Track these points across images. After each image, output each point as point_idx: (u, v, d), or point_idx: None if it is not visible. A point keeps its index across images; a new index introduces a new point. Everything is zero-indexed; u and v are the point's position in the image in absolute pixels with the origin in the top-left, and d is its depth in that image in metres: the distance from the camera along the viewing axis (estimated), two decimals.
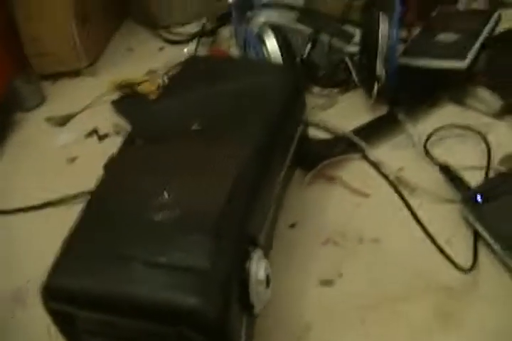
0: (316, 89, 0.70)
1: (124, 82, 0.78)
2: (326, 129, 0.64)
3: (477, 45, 0.67)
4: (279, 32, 0.67)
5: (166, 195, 0.42)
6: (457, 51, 0.67)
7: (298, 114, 0.57)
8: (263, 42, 0.66)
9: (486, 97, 0.66)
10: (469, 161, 0.59)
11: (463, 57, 0.65)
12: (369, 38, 0.64)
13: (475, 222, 0.51)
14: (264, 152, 0.47)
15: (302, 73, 0.69)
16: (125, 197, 0.43)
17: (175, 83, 0.59)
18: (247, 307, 0.39)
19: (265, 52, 0.65)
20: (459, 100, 0.67)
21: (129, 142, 0.48)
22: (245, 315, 0.40)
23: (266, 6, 0.77)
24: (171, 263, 0.37)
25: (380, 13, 0.63)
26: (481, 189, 0.53)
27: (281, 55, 0.65)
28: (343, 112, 0.66)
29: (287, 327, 0.46)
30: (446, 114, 0.66)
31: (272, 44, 0.65)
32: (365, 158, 0.58)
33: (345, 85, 0.70)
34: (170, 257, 0.37)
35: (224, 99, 0.53)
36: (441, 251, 0.46)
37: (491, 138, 0.62)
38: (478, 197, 0.52)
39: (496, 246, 0.49)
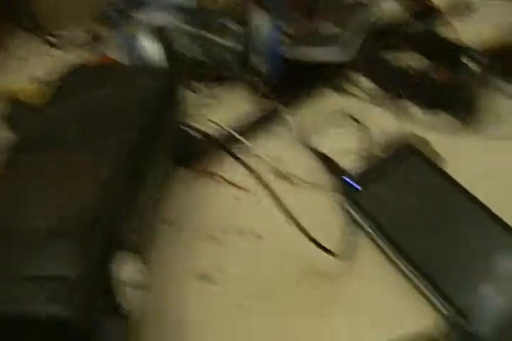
0: (201, 87, 0.69)
1: (7, 91, 0.75)
2: (209, 126, 0.62)
3: (359, 37, 0.68)
4: (160, 33, 0.65)
5: (37, 205, 0.41)
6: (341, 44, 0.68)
7: (174, 115, 0.57)
8: (143, 45, 0.64)
9: (366, 85, 0.67)
10: (348, 147, 0.60)
11: (343, 54, 0.68)
12: (249, 33, 0.64)
13: (350, 208, 0.52)
14: (136, 155, 0.47)
15: (183, 73, 0.69)
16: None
17: (59, 92, 0.58)
18: (116, 309, 0.39)
19: (145, 55, 0.64)
20: (341, 89, 0.68)
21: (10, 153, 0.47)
22: (115, 317, 0.40)
23: (150, 6, 0.75)
24: (42, 275, 0.37)
25: (260, 9, 0.63)
26: (357, 175, 0.54)
27: (164, 57, 0.66)
28: (227, 108, 0.66)
29: (168, 325, 0.46)
30: (328, 102, 0.68)
31: (151, 46, 0.64)
32: (230, 153, 0.58)
33: (229, 81, 0.69)
34: (41, 269, 0.37)
35: (101, 106, 0.52)
36: (312, 239, 0.47)
37: (369, 124, 0.63)
38: (353, 183, 0.52)
39: (372, 232, 0.50)
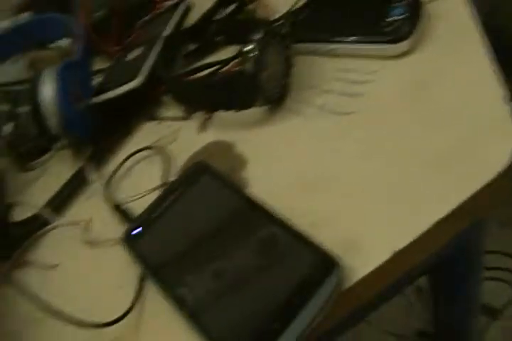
0: (29, 164, 0.66)
1: None
2: (30, 207, 0.59)
3: (152, 56, 0.62)
4: None
5: None
6: (130, 71, 0.64)
7: None
8: None
9: (171, 103, 0.61)
10: (156, 183, 0.53)
11: (134, 76, 0.61)
12: (32, 98, 0.59)
13: (133, 258, 0.47)
14: None
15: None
16: None
17: None
18: None
19: None
20: (153, 116, 0.62)
21: None
22: None
23: None
24: None
25: (45, 69, 0.59)
26: (140, 218, 0.48)
27: None
28: (50, 179, 0.62)
29: None
30: (142, 135, 0.64)
31: None
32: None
33: (51, 150, 0.65)
34: None
35: None
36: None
37: (177, 145, 0.59)
38: (132, 230, 0.47)
39: (153, 281, 0.45)
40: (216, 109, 0.56)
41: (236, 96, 0.53)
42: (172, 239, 0.46)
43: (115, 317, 0.43)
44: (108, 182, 0.56)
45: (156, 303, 0.44)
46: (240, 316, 0.38)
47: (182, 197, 0.48)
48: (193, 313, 0.40)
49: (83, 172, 0.59)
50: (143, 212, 0.49)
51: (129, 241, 0.47)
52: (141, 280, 0.46)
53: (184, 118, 0.60)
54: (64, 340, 0.47)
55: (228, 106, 0.55)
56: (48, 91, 0.56)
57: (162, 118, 0.62)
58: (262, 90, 0.51)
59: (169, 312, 0.42)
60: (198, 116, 0.59)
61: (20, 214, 0.60)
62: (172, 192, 0.49)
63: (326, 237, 0.40)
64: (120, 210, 0.52)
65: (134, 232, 0.47)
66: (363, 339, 1.08)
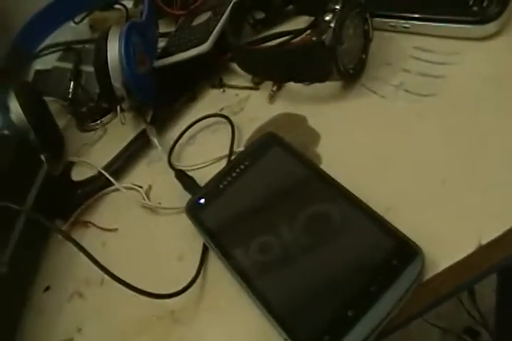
0: (88, 125, 0.65)
1: None
2: (91, 168, 0.59)
3: (221, 22, 0.61)
4: (26, 90, 0.62)
5: None
6: (200, 35, 0.62)
7: (26, 178, 0.55)
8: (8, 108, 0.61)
9: (237, 72, 0.59)
10: (221, 152, 0.52)
11: (202, 41, 0.60)
12: (98, 58, 0.58)
13: (197, 229, 0.46)
14: None
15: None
16: None
17: None
18: None
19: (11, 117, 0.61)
20: (218, 83, 0.61)
21: None
22: None
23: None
24: None
25: (111, 28, 0.58)
26: (204, 188, 0.48)
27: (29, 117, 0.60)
28: (110, 142, 0.62)
29: None
30: (206, 103, 0.62)
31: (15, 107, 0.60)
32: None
33: (111, 112, 0.64)
34: None
35: None
36: (138, 291, 0.42)
37: (244, 115, 0.57)
38: (199, 199, 0.46)
39: (216, 253, 0.43)
40: (287, 81, 0.54)
41: (310, 69, 0.51)
42: (239, 211, 0.45)
43: (173, 287, 0.42)
44: (171, 149, 0.54)
45: (219, 276, 0.43)
46: (310, 298, 0.37)
47: (250, 169, 0.47)
48: (258, 290, 0.39)
49: (145, 136, 0.57)
50: (209, 182, 0.48)
51: (194, 210, 0.46)
52: (204, 252, 0.44)
53: (252, 88, 0.58)
54: (120, 306, 0.46)
55: (300, 78, 0.53)
56: (113, 51, 0.55)
57: (228, 86, 0.60)
58: (339, 64, 0.49)
59: (232, 286, 0.41)
60: (267, 87, 0.57)
61: (79, 175, 0.60)
62: (240, 163, 0.48)
63: (403, 224, 0.37)
64: (184, 178, 0.50)
65: (200, 202, 0.46)
66: (409, 329, 1.06)
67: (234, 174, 0.47)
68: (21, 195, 0.51)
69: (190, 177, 0.50)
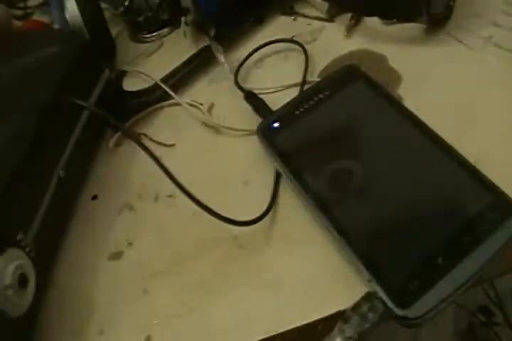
0: (143, 36, 0.62)
1: None
2: (146, 79, 0.56)
3: None
4: None
5: None
6: None
7: (89, 79, 0.53)
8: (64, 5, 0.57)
9: (312, 0, 0.56)
10: (289, 80, 0.51)
11: None
12: None
13: (269, 154, 0.44)
14: (34, 132, 0.43)
15: (127, 22, 0.65)
16: None
17: None
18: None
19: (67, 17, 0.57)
20: (289, 10, 0.58)
21: None
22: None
23: None
24: None
25: None
26: (279, 112, 0.45)
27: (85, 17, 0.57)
28: (167, 55, 0.59)
29: (73, 313, 0.43)
30: (275, 29, 0.59)
31: (72, 6, 0.57)
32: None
33: (169, 25, 0.61)
34: None
35: (9, 77, 0.47)
36: (214, 213, 0.40)
37: (317, 46, 0.54)
38: (272, 123, 0.44)
39: (290, 181, 0.42)
40: (370, 15, 0.52)
41: (399, 5, 0.48)
42: (317, 140, 0.43)
43: (237, 212, 0.41)
44: (238, 68, 0.52)
45: (290, 206, 0.42)
46: (397, 238, 0.36)
47: (330, 100, 0.45)
48: (338, 222, 0.37)
49: (208, 52, 0.55)
50: (283, 107, 0.46)
51: (267, 133, 0.44)
52: (277, 178, 0.42)
53: (326, 20, 0.55)
54: (177, 225, 0.45)
55: (386, 15, 0.51)
56: None
57: (300, 15, 0.57)
58: (429, 6, 0.46)
59: (306, 218, 0.40)
60: (341, 21, 0.54)
61: (132, 85, 0.57)
62: (318, 93, 0.46)
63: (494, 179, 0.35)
64: (254, 99, 0.48)
65: (274, 125, 0.44)
66: None
67: (311, 102, 0.45)
68: (85, 95, 0.48)
69: (261, 100, 0.47)
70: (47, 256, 0.43)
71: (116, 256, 0.44)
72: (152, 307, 0.40)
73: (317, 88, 0.47)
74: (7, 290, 0.36)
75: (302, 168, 0.41)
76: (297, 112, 0.45)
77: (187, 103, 0.52)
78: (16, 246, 0.38)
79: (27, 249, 0.39)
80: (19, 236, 0.39)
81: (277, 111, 0.46)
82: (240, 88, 0.50)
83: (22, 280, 0.38)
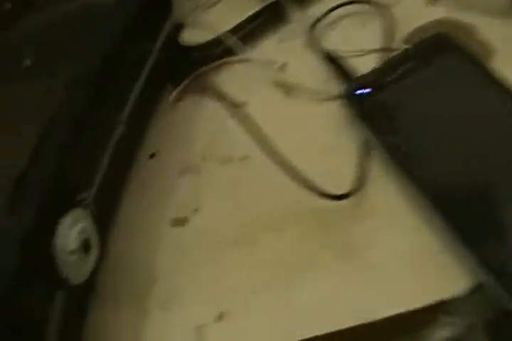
0: None
1: None
2: (206, 32, 0.51)
3: None
4: None
5: None
6: None
7: (154, 26, 0.49)
8: None
9: None
10: (368, 44, 0.48)
11: None
12: None
13: (358, 121, 0.41)
14: (95, 82, 0.40)
15: None
16: None
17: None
18: (59, 281, 0.33)
19: None
20: None
21: None
22: (59, 289, 0.34)
23: None
24: None
25: None
26: (366, 77, 0.42)
27: None
28: (225, 9, 0.54)
29: (131, 284, 0.40)
30: None
31: None
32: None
33: None
34: None
35: (64, 22, 0.43)
36: (305, 181, 0.36)
37: (396, 11, 0.49)
38: (360, 89, 0.40)
39: (384, 154, 0.38)
40: None
41: None
42: (409, 111, 0.40)
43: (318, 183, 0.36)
44: (313, 27, 0.48)
45: (380, 179, 0.39)
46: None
47: (421, 70, 0.42)
48: (439, 201, 0.34)
49: (277, 8, 0.50)
50: (370, 73, 0.42)
51: (354, 99, 0.41)
52: (367, 150, 0.39)
53: None
54: (253, 191, 0.42)
55: None
56: None
57: None
58: None
59: (397, 193, 0.37)
60: None
61: (192, 40, 0.52)
62: (407, 61, 0.42)
63: None
64: (335, 62, 0.44)
65: (362, 92, 0.40)
66: None
67: (400, 71, 0.42)
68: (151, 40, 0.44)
69: (342, 62, 0.44)
70: (106, 218, 0.40)
71: (180, 222, 0.40)
72: (223, 281, 0.37)
73: (406, 56, 0.43)
74: (71, 255, 0.33)
75: (398, 140, 0.38)
76: (387, 80, 0.41)
77: (256, 59, 0.48)
78: (78, 206, 0.34)
79: (89, 210, 0.35)
80: (81, 196, 0.35)
81: (364, 76, 0.42)
82: (318, 48, 0.46)
83: (85, 245, 0.33)
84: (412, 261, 0.34)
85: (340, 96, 0.42)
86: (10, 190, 0.33)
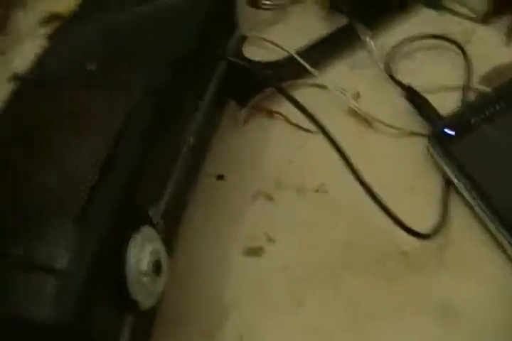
0: (265, 1, 0.55)
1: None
2: (271, 50, 0.49)
3: None
4: None
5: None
6: None
7: (221, 39, 0.46)
8: None
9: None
10: (444, 81, 0.47)
11: None
12: None
13: (442, 162, 0.40)
14: (164, 94, 0.36)
15: None
16: None
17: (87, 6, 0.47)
18: (129, 304, 0.30)
19: None
20: (436, 3, 0.52)
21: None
22: (129, 313, 0.31)
23: None
24: (28, 261, 0.27)
25: None
26: (453, 118, 0.41)
27: None
28: (293, 27, 0.53)
29: (201, 313, 0.37)
30: (419, 21, 0.53)
31: None
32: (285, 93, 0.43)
33: None
34: (28, 252, 0.27)
35: (131, 28, 0.41)
36: (392, 217, 0.35)
37: (471, 48, 0.49)
38: (447, 130, 0.39)
39: (468, 195, 0.38)
40: None
41: None
42: (497, 154, 0.40)
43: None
44: (389, 57, 0.46)
45: (463, 221, 0.38)
46: None
47: (507, 112, 0.41)
48: None
49: (350, 32, 0.49)
50: (456, 113, 0.41)
51: (441, 139, 0.40)
52: (448, 187, 0.38)
53: (481, 21, 0.50)
54: (330, 224, 0.40)
55: None
56: None
57: (447, 10, 0.52)
58: None
59: (479, 234, 0.36)
60: (496, 25, 0.51)
61: (255, 55, 0.50)
62: (494, 103, 0.42)
63: None
64: (417, 98, 0.43)
65: (448, 132, 0.39)
66: None
67: (487, 113, 0.41)
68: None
69: (425, 99, 0.42)
70: (172, 237, 0.37)
71: (255, 252, 0.38)
72: (304, 320, 0.34)
73: (492, 97, 0.43)
74: (143, 277, 0.30)
75: (484, 182, 0.38)
76: (474, 121, 0.40)
77: (329, 85, 0.46)
78: (148, 223, 0.32)
79: (158, 228, 0.33)
80: (151, 212, 0.33)
81: (451, 116, 0.41)
82: (396, 81, 0.45)
83: (157, 267, 0.31)
84: (497, 309, 0.34)
85: (425, 134, 0.41)
86: (83, 204, 0.30)
